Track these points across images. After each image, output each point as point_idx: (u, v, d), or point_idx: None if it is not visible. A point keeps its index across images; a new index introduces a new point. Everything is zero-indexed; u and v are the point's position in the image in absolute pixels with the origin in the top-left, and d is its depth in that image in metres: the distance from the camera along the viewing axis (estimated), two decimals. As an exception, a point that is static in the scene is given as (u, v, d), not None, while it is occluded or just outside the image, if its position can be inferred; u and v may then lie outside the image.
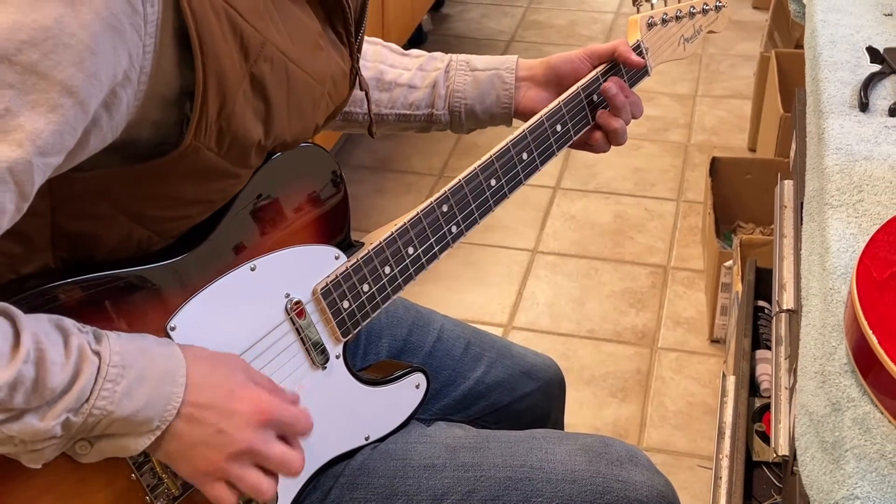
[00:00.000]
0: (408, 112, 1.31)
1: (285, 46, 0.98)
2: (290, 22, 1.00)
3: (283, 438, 1.02)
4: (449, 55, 1.34)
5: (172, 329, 0.98)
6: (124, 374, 0.89)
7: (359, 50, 1.14)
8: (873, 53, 1.34)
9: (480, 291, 2.68)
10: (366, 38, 1.33)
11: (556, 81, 1.29)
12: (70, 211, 0.93)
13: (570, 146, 1.31)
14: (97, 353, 0.89)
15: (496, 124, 1.33)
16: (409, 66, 1.33)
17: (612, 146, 1.34)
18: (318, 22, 1.06)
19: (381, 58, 1.33)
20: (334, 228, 1.11)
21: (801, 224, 1.23)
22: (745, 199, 2.65)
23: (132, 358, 0.91)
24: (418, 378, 1.21)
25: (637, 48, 1.31)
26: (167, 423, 0.93)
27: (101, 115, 0.85)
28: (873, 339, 0.85)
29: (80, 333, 0.89)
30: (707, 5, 1.37)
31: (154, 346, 0.94)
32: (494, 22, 4.04)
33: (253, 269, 1.04)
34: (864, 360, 0.88)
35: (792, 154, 1.62)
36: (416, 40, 3.73)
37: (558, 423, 1.51)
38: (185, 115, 0.92)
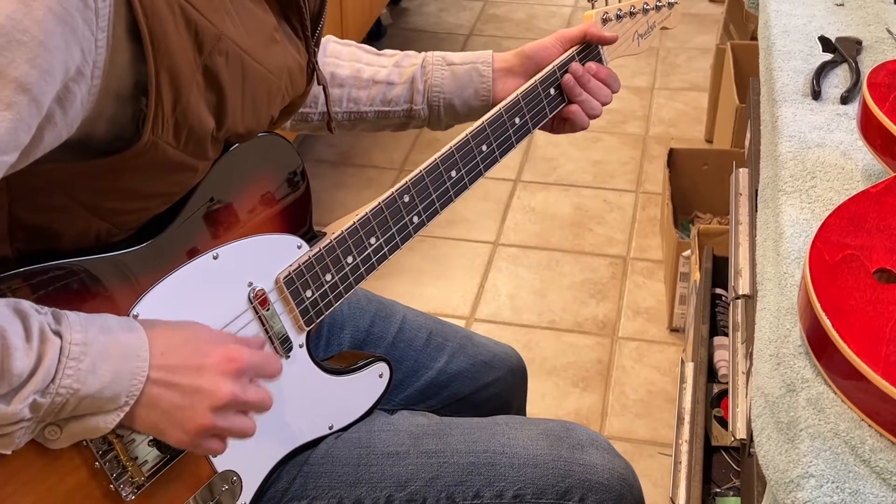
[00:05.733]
0: (387, 108, 1.32)
1: (241, 39, 0.98)
2: (245, 15, 1.00)
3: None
4: (423, 53, 1.35)
5: (135, 317, 0.98)
6: (87, 350, 0.90)
7: (317, 45, 1.15)
8: (825, 43, 1.36)
9: (442, 284, 2.69)
10: (339, 40, 1.34)
11: (532, 69, 1.30)
12: (27, 203, 0.92)
13: (548, 130, 1.33)
14: (58, 333, 0.89)
15: (475, 118, 1.33)
16: (384, 63, 1.33)
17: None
18: (273, 15, 1.06)
19: (356, 57, 1.34)
20: (296, 218, 1.12)
21: (756, 211, 1.25)
22: (703, 190, 2.68)
23: (94, 335, 0.91)
24: (381, 367, 1.22)
25: (595, 50, 1.33)
26: (135, 399, 0.93)
27: (55, 110, 0.85)
28: (826, 322, 0.86)
29: (39, 315, 0.89)
30: (660, 2, 1.39)
31: (115, 323, 0.94)
32: (453, 16, 4.05)
33: (216, 258, 1.04)
34: (818, 342, 0.89)
35: (747, 143, 1.65)
36: (375, 34, 3.72)
37: (521, 412, 1.52)
38: (140, 111, 0.92)
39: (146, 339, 0.95)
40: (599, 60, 1.33)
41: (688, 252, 2.36)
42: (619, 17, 1.35)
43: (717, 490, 1.54)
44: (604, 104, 1.32)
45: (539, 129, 1.31)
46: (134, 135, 0.92)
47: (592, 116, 1.32)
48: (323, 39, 1.34)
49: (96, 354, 0.90)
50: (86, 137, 0.91)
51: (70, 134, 0.89)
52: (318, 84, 1.17)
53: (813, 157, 1.17)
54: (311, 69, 1.14)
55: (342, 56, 1.33)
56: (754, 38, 3.01)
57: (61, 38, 0.82)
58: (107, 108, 0.90)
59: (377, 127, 1.35)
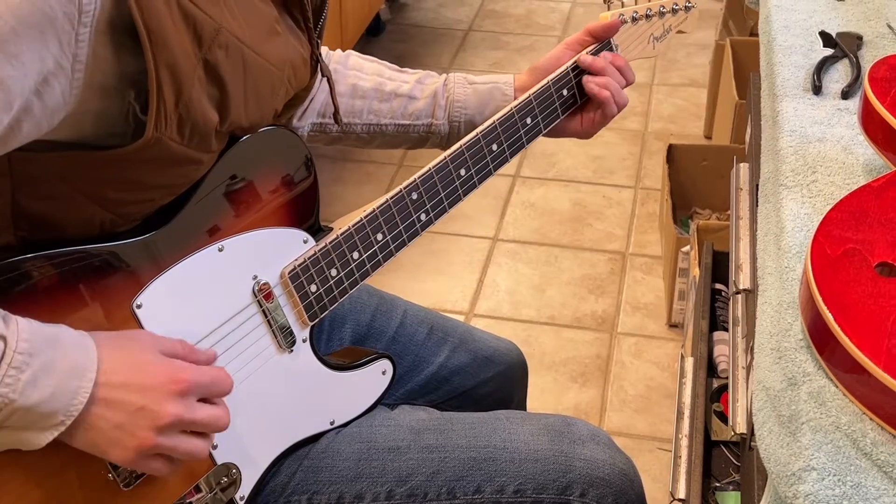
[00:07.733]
0: (407, 122, 1.32)
1: (241, 32, 0.98)
2: (244, 7, 1.00)
3: (205, 401, 0.99)
4: (445, 74, 1.36)
5: (139, 307, 0.98)
6: (31, 361, 0.86)
7: (319, 37, 1.15)
8: (826, 38, 1.36)
9: (442, 280, 2.69)
10: (364, 56, 1.34)
11: None
12: (31, 192, 0.92)
13: (558, 135, 1.33)
14: (2, 338, 0.86)
15: None
16: (407, 79, 1.34)
17: (604, 123, 1.33)
18: (273, 7, 1.06)
19: (379, 72, 1.34)
20: (303, 212, 1.12)
21: (757, 206, 1.25)
22: (702, 186, 2.68)
23: (41, 345, 0.88)
24: (385, 364, 1.22)
25: (608, 45, 1.33)
26: (72, 419, 0.90)
27: (34, 102, 0.85)
28: (828, 315, 0.87)
29: None
30: (677, 5, 1.39)
31: (67, 337, 0.91)
32: (452, 11, 4.04)
33: (221, 250, 1.04)
34: (820, 336, 0.89)
35: (747, 138, 1.65)
36: (374, 30, 3.72)
37: (521, 407, 1.53)
38: (129, 105, 0.91)
39: (95, 359, 0.92)
40: None
41: (687, 248, 2.37)
42: (634, 20, 1.35)
43: (717, 485, 1.55)
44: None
45: (554, 134, 1.31)
46: (126, 130, 0.91)
47: (620, 104, 1.31)
48: (344, 53, 1.35)
49: (39, 366, 0.87)
50: (78, 136, 0.91)
51: (50, 127, 0.88)
52: (322, 76, 1.17)
53: (814, 152, 1.17)
54: (315, 61, 1.14)
55: (365, 69, 1.34)
56: (753, 34, 3.02)
57: (36, 28, 0.82)
58: (91, 102, 0.90)
59: (395, 142, 1.35)
